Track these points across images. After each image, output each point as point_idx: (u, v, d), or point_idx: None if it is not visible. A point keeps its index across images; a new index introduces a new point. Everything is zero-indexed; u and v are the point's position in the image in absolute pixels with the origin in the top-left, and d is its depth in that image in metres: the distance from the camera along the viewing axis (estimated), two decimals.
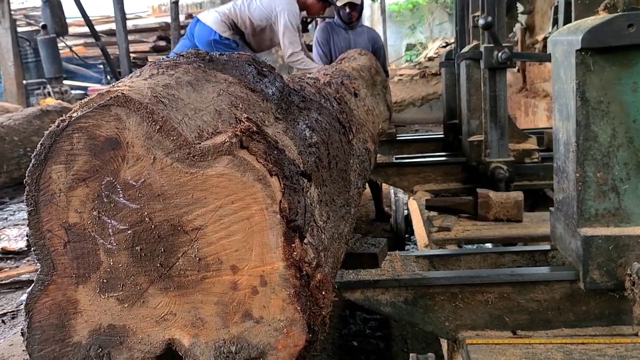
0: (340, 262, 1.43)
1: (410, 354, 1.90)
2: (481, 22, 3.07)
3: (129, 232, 1.08)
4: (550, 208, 1.95)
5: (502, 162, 3.27)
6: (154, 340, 1.11)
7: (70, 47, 9.47)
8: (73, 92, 8.54)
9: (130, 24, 11.58)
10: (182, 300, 1.09)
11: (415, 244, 3.78)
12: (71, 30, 10.17)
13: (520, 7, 5.71)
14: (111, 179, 1.07)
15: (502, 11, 3.28)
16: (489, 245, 3.10)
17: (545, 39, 7.20)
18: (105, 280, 1.11)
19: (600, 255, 1.65)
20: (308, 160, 1.28)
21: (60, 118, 1.08)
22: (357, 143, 2.16)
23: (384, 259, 1.88)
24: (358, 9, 5.42)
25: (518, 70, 8.37)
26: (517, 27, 7.97)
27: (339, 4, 5.30)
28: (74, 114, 1.07)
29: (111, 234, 1.09)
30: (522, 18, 8.07)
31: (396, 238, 4.63)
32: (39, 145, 1.08)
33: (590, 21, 1.68)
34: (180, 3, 9.19)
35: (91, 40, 9.67)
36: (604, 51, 1.63)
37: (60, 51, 8.53)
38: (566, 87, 1.73)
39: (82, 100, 1.10)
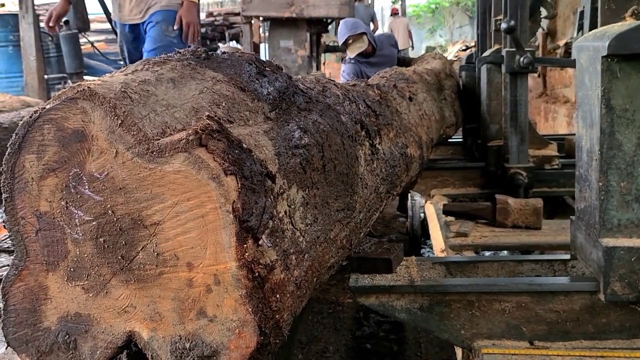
0: (327, 267, 1.42)
1: None
2: (503, 26, 3.03)
3: (93, 223, 1.11)
4: (570, 217, 1.91)
5: (522, 168, 3.22)
6: (115, 331, 1.14)
7: (92, 43, 9.53)
8: None
9: None
10: (141, 293, 1.11)
11: (431, 248, 3.75)
12: (93, 26, 10.24)
13: (543, 12, 5.64)
14: (78, 170, 1.10)
15: (524, 15, 3.24)
16: (506, 252, 3.06)
17: (567, 44, 7.12)
18: (72, 269, 1.14)
19: (622, 266, 1.61)
20: (289, 161, 1.26)
21: (34, 109, 1.11)
22: (391, 147, 2.13)
23: (399, 264, 1.85)
24: (367, 44, 5.53)
25: (539, 76, 8.29)
26: (539, 32, 7.90)
27: (351, 56, 5.50)
28: (47, 106, 1.10)
29: (77, 224, 1.12)
30: (544, 23, 7.99)
31: (412, 241, 4.59)
32: (14, 135, 1.12)
33: (617, 27, 1.64)
34: (201, 1, 9.21)
35: (112, 36, 9.73)
36: (630, 58, 1.59)
37: (82, 47, 8.59)
38: (591, 94, 1.70)
39: (57, 93, 1.14)
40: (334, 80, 2.08)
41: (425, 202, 3.89)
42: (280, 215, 1.19)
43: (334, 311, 3.71)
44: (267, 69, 1.49)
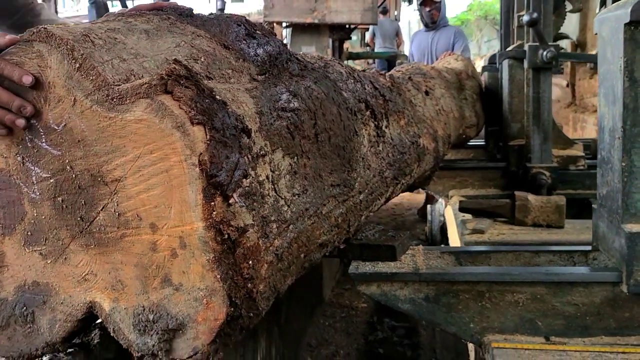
0: (318, 244, 1.30)
1: None
2: (526, 18, 2.90)
3: (51, 180, 1.03)
4: (592, 205, 1.77)
5: (545, 167, 3.07)
6: (75, 302, 1.05)
7: None
8: None
9: None
10: (102, 259, 1.02)
11: None
12: None
13: (568, 5, 5.42)
14: (34, 121, 1.02)
15: (548, 8, 3.10)
16: None
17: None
18: (29, 233, 1.07)
19: None
20: (273, 123, 1.15)
21: None
22: (401, 134, 2.03)
23: (404, 252, 1.72)
24: (438, 6, 5.46)
25: (567, 85, 8.10)
26: (568, 43, 7.70)
27: (417, 3, 5.44)
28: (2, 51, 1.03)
29: (35, 182, 1.04)
30: (574, 35, 7.80)
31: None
32: None
33: None
34: (226, 13, 9.22)
35: None
36: None
37: None
38: (613, 68, 1.56)
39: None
40: (339, 60, 1.97)
41: (445, 206, 3.74)
42: (261, 179, 1.08)
43: (347, 315, 3.58)
44: (257, 32, 1.39)
